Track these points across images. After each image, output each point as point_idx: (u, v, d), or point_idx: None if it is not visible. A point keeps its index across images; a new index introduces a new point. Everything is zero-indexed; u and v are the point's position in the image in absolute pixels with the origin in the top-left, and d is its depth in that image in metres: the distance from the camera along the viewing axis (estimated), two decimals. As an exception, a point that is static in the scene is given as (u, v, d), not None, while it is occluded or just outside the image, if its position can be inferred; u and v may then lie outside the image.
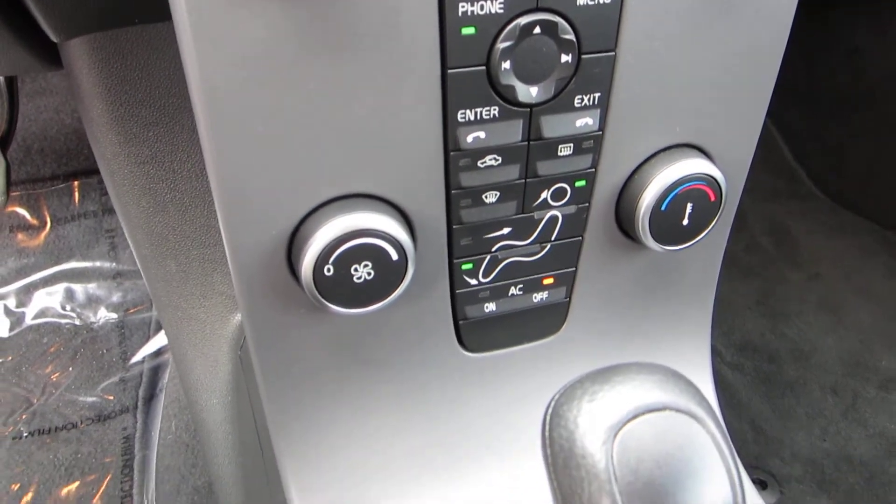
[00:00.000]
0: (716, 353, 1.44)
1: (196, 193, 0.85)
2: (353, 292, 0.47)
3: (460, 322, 0.55)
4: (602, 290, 0.58)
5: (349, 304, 0.48)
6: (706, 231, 0.53)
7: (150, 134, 0.80)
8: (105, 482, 1.26)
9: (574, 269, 0.56)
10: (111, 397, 1.37)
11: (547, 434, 0.32)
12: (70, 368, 1.41)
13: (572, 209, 0.52)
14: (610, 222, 0.54)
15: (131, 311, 1.47)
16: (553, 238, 0.53)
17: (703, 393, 0.65)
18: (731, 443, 0.33)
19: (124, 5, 0.67)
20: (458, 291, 0.54)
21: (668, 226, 0.52)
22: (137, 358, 1.41)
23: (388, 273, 0.47)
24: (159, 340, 1.42)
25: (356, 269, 0.46)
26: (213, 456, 0.96)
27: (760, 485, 1.24)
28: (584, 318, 0.58)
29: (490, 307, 0.55)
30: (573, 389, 0.32)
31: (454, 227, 0.50)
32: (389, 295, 0.48)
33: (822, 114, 1.72)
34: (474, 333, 0.56)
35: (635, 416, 0.32)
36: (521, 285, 0.55)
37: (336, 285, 0.46)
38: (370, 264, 0.46)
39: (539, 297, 0.56)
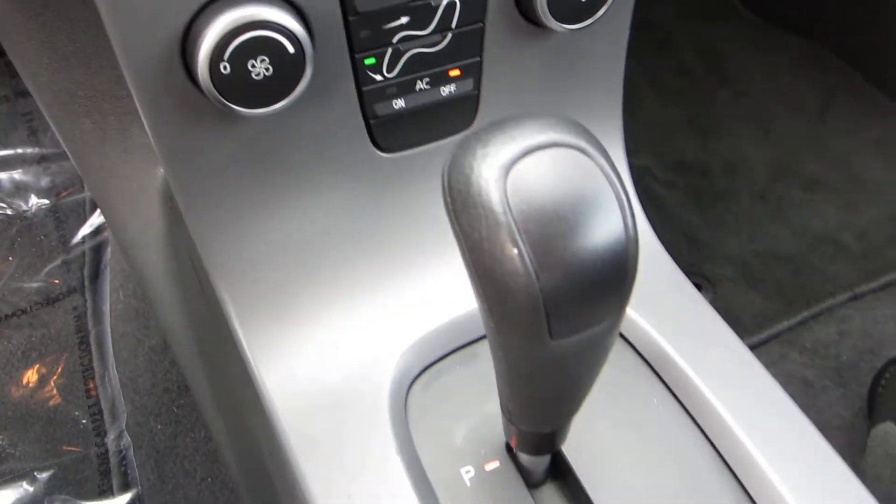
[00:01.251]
0: (649, 174, 1.48)
1: (98, 43, 0.82)
2: (254, 90, 0.47)
3: (371, 121, 0.56)
4: (510, 80, 0.58)
5: (251, 104, 0.48)
6: (606, 5, 0.54)
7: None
8: (63, 360, 1.28)
9: (479, 58, 0.56)
10: (57, 280, 1.37)
11: (446, 183, 0.33)
12: (10, 258, 1.40)
13: (469, -9, 0.52)
14: (510, 6, 0.54)
15: (63, 194, 1.45)
16: (453, 26, 0.53)
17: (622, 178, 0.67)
18: (620, 175, 0.35)
19: None
20: (364, 89, 0.54)
21: (567, 2, 0.52)
22: (77, 239, 1.40)
23: (287, 68, 0.47)
24: (97, 219, 1.41)
25: (253, 66, 0.46)
26: (160, 310, 0.97)
27: (695, 287, 1.31)
28: (494, 111, 0.59)
29: (399, 103, 0.55)
30: (467, 139, 0.33)
31: (350, 18, 0.50)
32: (291, 92, 0.48)
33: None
34: (386, 132, 0.57)
35: (526, 154, 0.33)
36: (427, 79, 0.55)
37: (235, 83, 0.46)
38: (267, 59, 0.46)
39: (447, 89, 0.56)
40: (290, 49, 0.46)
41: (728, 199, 1.44)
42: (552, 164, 0.33)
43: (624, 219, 0.33)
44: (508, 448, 0.55)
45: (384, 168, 0.59)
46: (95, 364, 1.25)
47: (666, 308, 0.62)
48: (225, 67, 0.45)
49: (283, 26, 0.46)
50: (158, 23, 0.45)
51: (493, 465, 0.55)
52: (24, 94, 1.53)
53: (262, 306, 0.60)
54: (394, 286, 0.62)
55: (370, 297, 0.62)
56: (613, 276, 0.34)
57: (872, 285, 1.29)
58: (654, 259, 0.67)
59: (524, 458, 0.53)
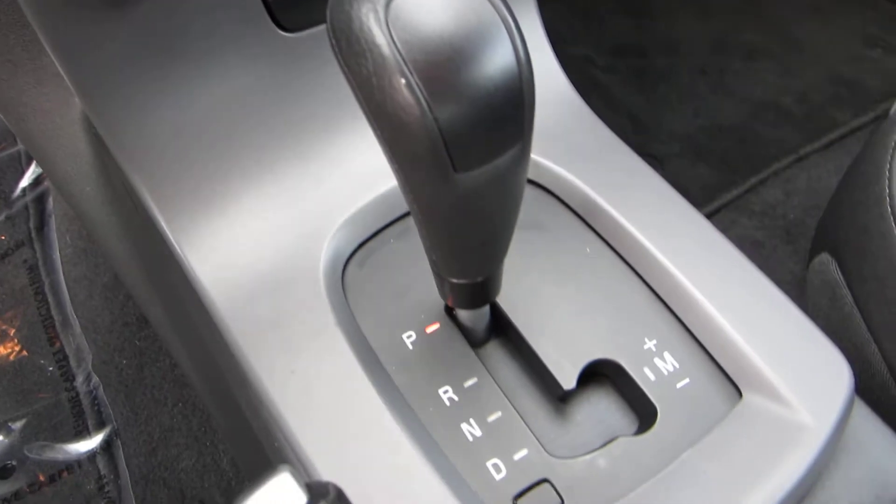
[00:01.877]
0: (589, 61, 1.47)
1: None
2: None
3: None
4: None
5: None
6: None
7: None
8: (22, 313, 1.27)
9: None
10: (3, 237, 1.35)
11: (329, 25, 0.32)
12: (-49, 220, 1.37)
13: None
14: None
15: (-4, 148, 1.41)
16: None
17: (539, 45, 0.66)
18: (511, 10, 0.34)
19: None
20: (253, -43, 0.52)
21: None
22: (17, 192, 1.37)
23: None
24: (35, 170, 1.38)
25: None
26: (105, 244, 0.96)
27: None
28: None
29: (295, -26, 0.54)
30: None
31: None
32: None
33: None
34: (287, 10, 0.55)
35: None
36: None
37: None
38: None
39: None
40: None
41: (669, 77, 1.44)
42: None
43: (513, 41, 0.33)
44: (448, 310, 0.56)
45: (291, 49, 0.57)
46: (54, 312, 1.24)
47: (588, 158, 0.62)
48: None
49: None
50: None
51: (433, 328, 0.55)
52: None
53: (188, 202, 0.59)
54: (318, 167, 0.61)
55: (295, 181, 0.61)
56: (509, 100, 0.33)
57: (816, 145, 1.31)
58: (574, 113, 0.66)
59: (463, 315, 0.53)
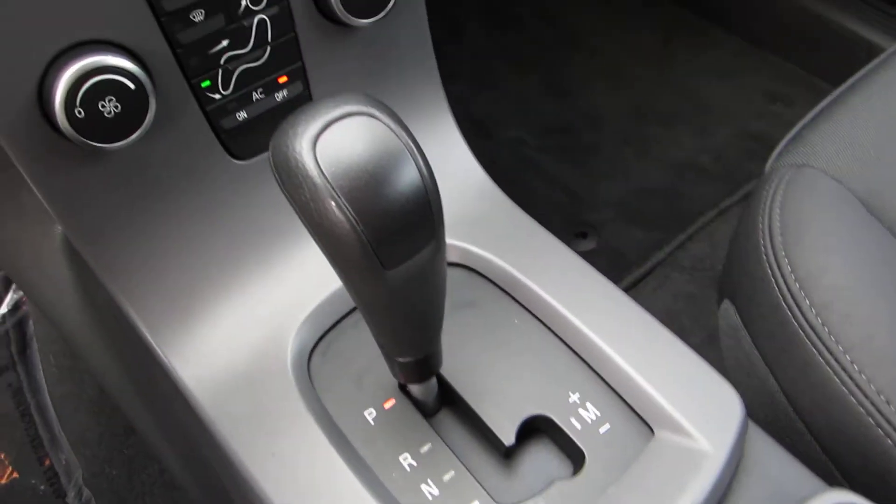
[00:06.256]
0: (522, 143, 1.60)
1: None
2: (109, 126, 0.55)
3: (221, 135, 0.64)
4: (333, 75, 0.67)
5: (109, 139, 0.55)
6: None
7: None
8: (9, 437, 1.32)
9: (300, 62, 0.65)
10: (-14, 364, 1.40)
11: (271, 163, 0.42)
12: (-66, 354, 1.42)
13: (275, 9, 0.61)
14: (313, 12, 0.63)
15: (-26, 280, 1.47)
16: (269, 40, 0.62)
17: (456, 145, 0.77)
18: (410, 132, 0.44)
19: None
20: (207, 108, 0.62)
21: (357, 2, 0.62)
22: (-3, 320, 1.43)
23: (133, 103, 0.55)
24: (13, 296, 1.44)
25: (103, 106, 0.54)
26: (90, 360, 1.02)
27: (582, 236, 1.43)
28: (328, 104, 0.68)
29: (241, 115, 0.64)
30: (281, 125, 0.42)
31: (177, 50, 0.58)
32: (142, 123, 0.56)
33: None
34: (237, 141, 0.65)
35: (327, 126, 0.41)
36: (260, 89, 0.64)
37: (90, 124, 0.54)
38: (114, 98, 0.54)
39: (280, 95, 0.65)
40: (132, 86, 0.54)
41: (597, 149, 1.57)
42: (349, 130, 0.41)
43: (416, 163, 0.42)
44: (401, 386, 0.64)
45: (244, 172, 0.67)
46: (42, 431, 1.29)
47: (509, 240, 0.71)
48: (79, 112, 0.53)
49: (122, 68, 0.54)
50: (12, 83, 0.53)
51: (390, 404, 0.63)
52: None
53: (167, 313, 0.68)
54: (278, 271, 0.70)
55: (260, 286, 0.70)
56: (419, 208, 0.42)
57: (735, 198, 1.43)
58: (493, 200, 0.76)
59: (414, 390, 0.61)
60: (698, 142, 1.56)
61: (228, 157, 0.66)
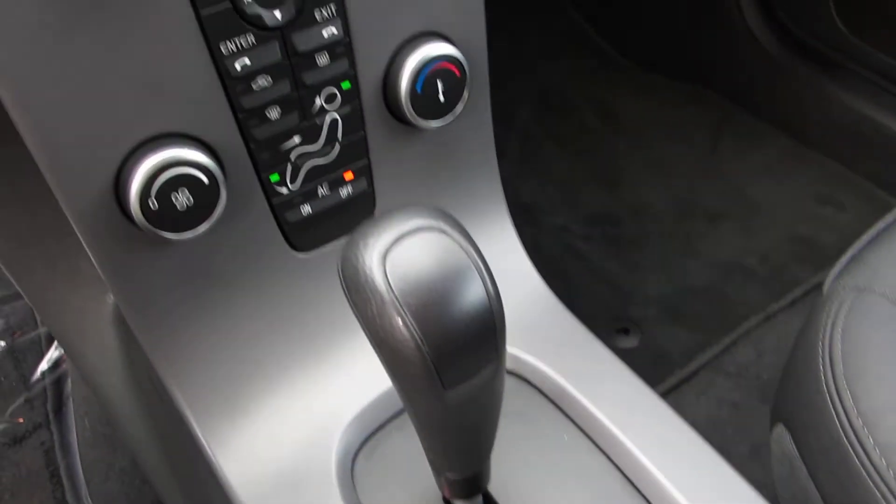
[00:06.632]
0: (566, 231, 1.60)
1: (40, 190, 0.90)
2: (180, 218, 0.56)
3: (284, 227, 0.65)
4: (397, 174, 0.68)
5: (180, 229, 0.57)
6: (461, 103, 0.65)
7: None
8: (36, 497, 1.31)
9: (367, 161, 0.66)
10: (21, 420, 1.41)
11: (340, 275, 0.43)
12: (-29, 405, 1.44)
13: (347, 109, 0.62)
14: (383, 113, 0.64)
15: (18, 334, 1.50)
16: (339, 138, 0.63)
17: (506, 235, 0.77)
18: (479, 249, 0.44)
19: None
20: (273, 201, 0.63)
21: (427, 104, 0.63)
22: (37, 376, 1.44)
23: (205, 196, 0.56)
24: (54, 353, 1.46)
25: (176, 198, 0.55)
26: (126, 429, 1.03)
27: (624, 332, 1.42)
28: (390, 202, 0.69)
29: (306, 209, 0.65)
30: (353, 236, 0.43)
31: (251, 145, 0.59)
32: (211, 215, 0.57)
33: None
34: (299, 234, 0.66)
35: (397, 241, 0.42)
36: (326, 184, 0.65)
37: (162, 215, 0.55)
38: (187, 191, 0.55)
39: (345, 191, 0.66)
40: (205, 180, 0.56)
41: (641, 242, 1.56)
42: (419, 246, 0.42)
43: (484, 284, 0.42)
44: (445, 501, 0.63)
45: (303, 265, 0.68)
46: (69, 496, 1.29)
47: (561, 350, 0.71)
48: (153, 203, 0.54)
49: (197, 162, 0.55)
50: (92, 170, 0.54)
51: None
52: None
53: (216, 403, 0.68)
54: (328, 369, 0.70)
55: (309, 382, 0.70)
56: (484, 330, 0.42)
57: (782, 303, 1.41)
58: (548, 308, 0.76)
59: None
60: (745, 242, 1.54)
61: (289, 250, 0.67)
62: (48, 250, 0.94)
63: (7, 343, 1.49)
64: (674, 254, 1.53)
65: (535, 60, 1.94)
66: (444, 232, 0.42)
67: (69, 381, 1.39)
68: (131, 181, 0.54)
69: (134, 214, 0.55)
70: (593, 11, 1.98)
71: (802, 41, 1.62)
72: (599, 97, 1.87)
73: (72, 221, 0.57)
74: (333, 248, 0.68)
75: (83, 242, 0.58)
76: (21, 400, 1.42)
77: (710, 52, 1.82)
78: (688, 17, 1.80)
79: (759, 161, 1.69)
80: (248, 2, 0.53)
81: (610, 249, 1.55)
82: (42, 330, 1.50)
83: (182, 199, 0.56)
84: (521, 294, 0.74)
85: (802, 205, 1.60)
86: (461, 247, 0.42)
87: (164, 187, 0.54)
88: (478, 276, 0.42)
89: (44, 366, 1.45)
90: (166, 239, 0.57)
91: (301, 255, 0.67)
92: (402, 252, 0.41)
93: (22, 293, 0.99)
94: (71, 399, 1.37)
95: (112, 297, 0.98)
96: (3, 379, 1.45)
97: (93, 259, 0.60)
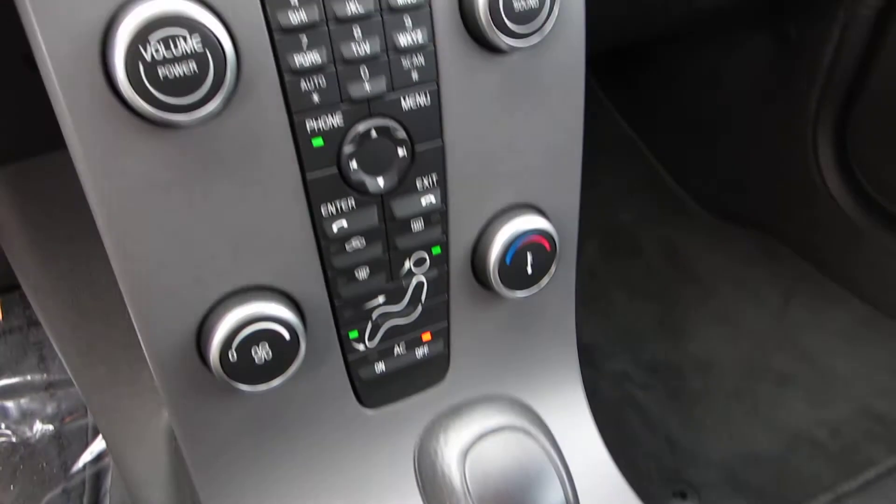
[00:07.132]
0: (626, 377, 1.55)
1: (117, 300, 0.92)
2: (256, 371, 0.56)
3: (356, 383, 0.64)
4: (474, 337, 0.67)
5: (254, 382, 0.56)
6: (548, 276, 0.64)
7: (68, 249, 0.87)
8: None
9: (447, 323, 0.65)
10: (56, 509, 1.39)
11: (416, 466, 0.41)
12: (11, 487, 1.43)
13: (434, 273, 0.62)
14: (469, 279, 0.64)
15: (67, 419, 1.50)
16: (423, 300, 0.63)
17: (579, 412, 0.74)
18: (560, 451, 0.42)
19: (26, 142, 0.75)
20: (349, 357, 0.62)
21: (515, 275, 0.62)
22: (78, 466, 1.44)
23: (284, 351, 0.56)
24: (98, 445, 1.45)
25: (255, 352, 0.55)
26: (161, 546, 1.00)
27: (681, 496, 1.35)
28: (464, 365, 0.67)
29: (380, 367, 0.64)
30: (433, 425, 0.41)
31: (336, 302, 0.59)
32: (288, 370, 0.57)
33: (691, 136, 1.89)
34: (370, 392, 0.65)
35: (479, 438, 0.41)
36: (403, 344, 0.64)
37: (240, 368, 0.55)
38: (267, 345, 0.55)
39: (421, 351, 0.65)
40: (287, 336, 0.55)
41: (704, 399, 1.51)
42: (502, 448, 0.40)
43: (564, 492, 0.41)
44: None
45: (368, 422, 0.66)
46: None
47: None
48: (232, 356, 0.54)
49: (280, 318, 0.55)
50: (177, 319, 0.55)
51: None
52: (36, 323, 1.62)
53: None
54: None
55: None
56: None
57: (853, 484, 1.33)
58: (615, 495, 0.72)
59: None
60: (814, 411, 1.47)
61: (358, 406, 0.65)
62: (114, 358, 0.95)
63: (55, 427, 1.49)
64: (738, 415, 1.47)
65: (607, 198, 1.94)
66: (528, 433, 0.41)
67: (109, 476, 1.38)
68: (214, 333, 0.54)
69: (212, 365, 0.54)
70: (670, 157, 1.99)
71: (883, 208, 1.59)
72: (669, 241, 1.86)
73: (148, 359, 0.57)
74: (400, 407, 0.67)
75: (157, 383, 0.58)
76: (59, 489, 1.41)
77: (786, 208, 1.79)
78: (765, 169, 1.79)
79: (834, 326, 1.63)
80: (354, 168, 0.54)
81: (670, 402, 1.50)
82: (90, 419, 1.50)
83: (261, 353, 0.55)
84: (598, 487, 0.71)
85: (877, 377, 1.53)
86: (544, 450, 0.41)
87: (246, 341, 0.54)
88: (559, 485, 0.40)
89: (87, 456, 1.45)
90: (239, 390, 0.56)
91: (369, 412, 0.66)
92: (483, 451, 0.40)
93: (81, 395, 1.00)
94: (108, 496, 1.35)
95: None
96: (45, 465, 1.44)
97: (164, 398, 0.59)
